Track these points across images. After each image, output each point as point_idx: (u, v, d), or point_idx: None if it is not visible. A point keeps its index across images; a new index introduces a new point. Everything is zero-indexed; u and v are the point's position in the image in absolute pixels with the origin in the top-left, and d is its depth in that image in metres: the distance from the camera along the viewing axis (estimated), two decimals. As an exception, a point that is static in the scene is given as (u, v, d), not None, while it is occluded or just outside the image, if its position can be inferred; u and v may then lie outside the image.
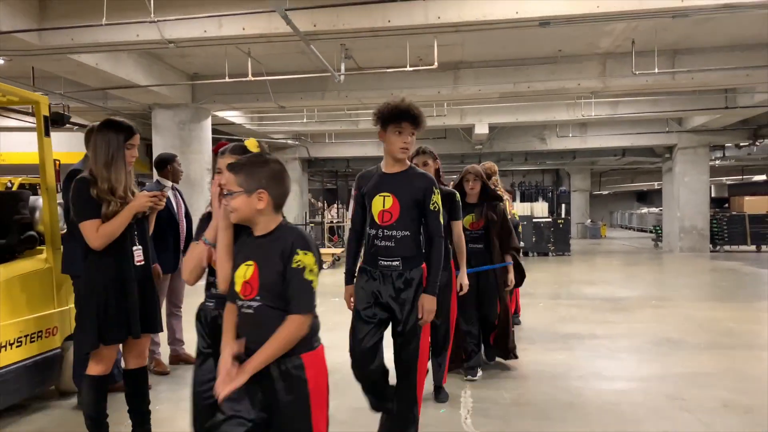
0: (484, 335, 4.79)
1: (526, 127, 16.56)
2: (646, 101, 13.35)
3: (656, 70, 9.13)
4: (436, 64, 8.49)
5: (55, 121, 4.33)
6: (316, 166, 19.72)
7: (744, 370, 4.91)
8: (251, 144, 2.32)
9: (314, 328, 2.11)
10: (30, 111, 10.52)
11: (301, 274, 2.00)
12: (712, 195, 20.69)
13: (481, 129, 14.06)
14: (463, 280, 4.00)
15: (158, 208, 3.12)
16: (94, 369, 2.97)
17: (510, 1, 6.63)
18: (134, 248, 3.02)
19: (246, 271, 2.06)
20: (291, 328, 2.00)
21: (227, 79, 9.19)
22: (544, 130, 17.08)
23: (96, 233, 2.85)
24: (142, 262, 3.06)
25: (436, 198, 2.95)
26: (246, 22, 7.00)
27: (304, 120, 13.47)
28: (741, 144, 17.22)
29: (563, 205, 19.14)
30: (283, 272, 2.00)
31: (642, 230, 28.54)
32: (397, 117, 2.91)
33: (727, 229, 17.01)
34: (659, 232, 19.33)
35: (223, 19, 6.98)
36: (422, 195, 2.93)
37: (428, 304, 2.92)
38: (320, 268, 2.08)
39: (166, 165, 5.09)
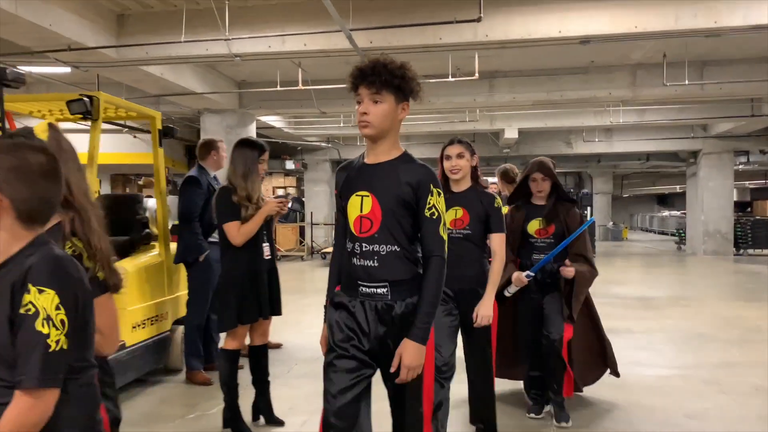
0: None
1: (553, 131, 17.03)
2: (672, 109, 13.78)
3: (686, 82, 9.60)
4: (477, 75, 9.06)
5: (166, 133, 4.95)
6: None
7: (756, 365, 5.42)
8: (40, 129, 1.88)
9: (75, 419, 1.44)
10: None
11: (31, 323, 1.33)
12: (735, 199, 20.99)
13: (511, 133, 14.59)
14: (486, 310, 3.10)
15: (283, 212, 3.72)
16: (230, 344, 3.57)
17: (553, 20, 7.16)
18: (263, 245, 3.63)
19: None
20: (11, 415, 1.31)
21: (278, 88, 9.84)
22: (570, 134, 17.54)
23: (237, 233, 3.46)
24: (269, 257, 3.67)
25: (435, 200, 2.09)
26: (307, 39, 7.59)
27: (341, 124, 14.07)
28: (765, 150, 17.54)
29: (588, 208, 19.58)
30: (10, 320, 1.36)
31: (663, 233, 28.80)
32: (352, 84, 2.15)
33: (751, 233, 17.34)
34: (683, 235, 19.68)
35: (287, 35, 7.61)
36: (412, 194, 2.08)
37: (409, 357, 2.03)
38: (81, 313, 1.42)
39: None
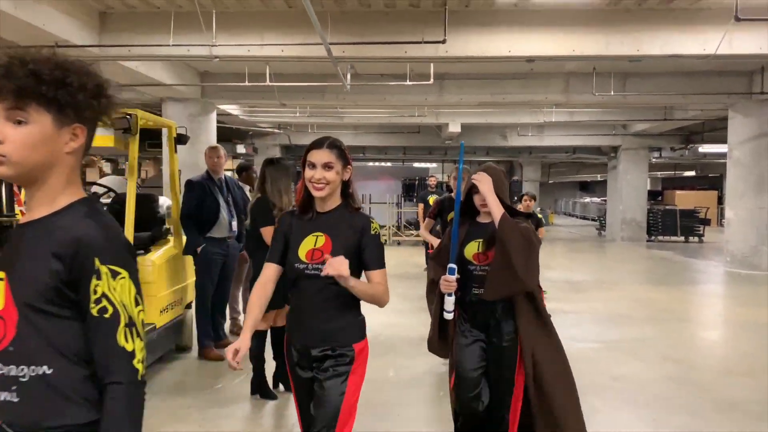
0: None
1: (492, 126, 18.29)
2: (597, 111, 15.27)
3: (612, 93, 10.95)
4: (432, 80, 10.01)
5: (179, 140, 5.60)
6: (294, 152, 20.96)
7: (676, 335, 6.73)
8: None
9: None
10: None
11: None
12: (648, 188, 23.13)
13: (454, 128, 15.71)
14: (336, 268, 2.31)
15: None
16: (261, 326, 4.37)
17: (504, 41, 8.19)
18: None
19: None
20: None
21: (246, 83, 10.43)
22: (506, 129, 18.88)
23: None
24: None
25: (108, 285, 1.27)
26: (285, 44, 8.28)
27: (297, 114, 14.71)
28: (675, 147, 19.54)
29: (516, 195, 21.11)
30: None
31: (584, 218, 31.03)
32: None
33: (662, 221, 19.35)
34: (603, 222, 21.56)
35: (265, 39, 8.26)
36: (65, 273, 1.25)
37: None
38: None
39: (243, 172, 6.40)
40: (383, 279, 2.36)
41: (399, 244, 16.97)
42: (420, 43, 7.54)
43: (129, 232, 4.51)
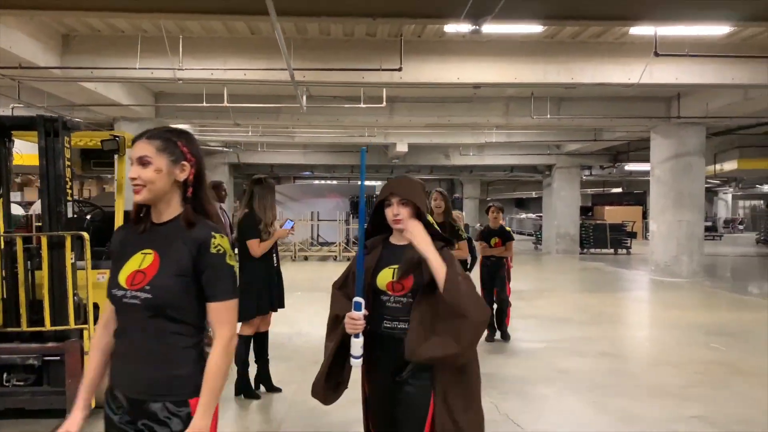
0: None
1: (436, 146, 19.12)
2: (534, 132, 16.33)
3: (548, 116, 11.89)
4: (384, 103, 10.63)
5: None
6: (242, 170, 21.13)
7: (611, 334, 7.52)
8: None
9: None
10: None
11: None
12: (579, 204, 24.57)
13: (402, 147, 16.41)
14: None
15: (289, 235, 4.97)
16: (246, 331, 4.75)
17: (454, 70, 8.91)
18: (274, 255, 4.87)
19: None
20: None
21: (204, 104, 10.75)
22: (448, 148, 19.75)
23: (258, 248, 4.67)
24: (276, 265, 4.91)
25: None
26: (248, 68, 8.71)
27: (249, 133, 15.02)
28: (604, 165, 20.96)
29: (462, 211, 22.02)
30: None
31: (521, 233, 32.39)
32: None
33: (593, 235, 20.64)
34: (539, 236, 22.72)
35: (228, 63, 8.65)
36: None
37: None
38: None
39: (214, 189, 6.76)
40: (226, 317, 1.80)
41: (349, 260, 17.41)
42: (378, 70, 8.13)
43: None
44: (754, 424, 4.32)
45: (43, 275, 4.20)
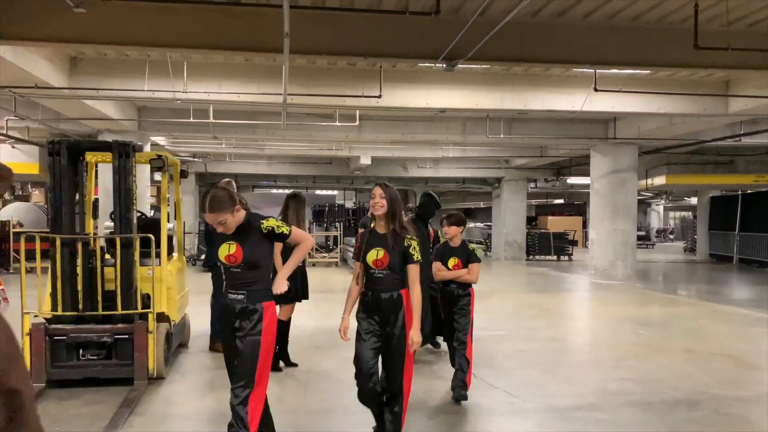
0: None
1: (395, 159, 20.39)
2: (486, 148, 17.83)
3: (501, 135, 13.34)
4: (357, 122, 11.81)
5: (182, 174, 6.89)
6: (208, 179, 21.82)
7: (557, 325, 8.89)
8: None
9: None
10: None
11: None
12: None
13: (366, 160, 17.60)
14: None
15: None
16: (282, 316, 5.79)
17: (422, 96, 10.18)
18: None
19: None
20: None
21: (191, 119, 11.65)
22: (406, 161, 21.07)
23: (278, 253, 5.73)
24: (303, 264, 5.97)
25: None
26: (241, 90, 9.70)
27: (223, 145, 15.89)
28: (548, 179, 22.74)
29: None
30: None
31: (470, 241, 33.95)
32: None
33: (538, 243, 22.33)
34: (488, 244, 24.29)
35: (223, 87, 9.63)
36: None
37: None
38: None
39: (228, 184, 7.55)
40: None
41: (314, 265, 18.42)
42: (360, 96, 9.30)
43: (163, 245, 5.80)
44: (667, 382, 5.68)
45: (113, 270, 5.17)
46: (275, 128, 12.84)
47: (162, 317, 5.51)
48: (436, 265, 5.27)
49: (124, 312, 5.12)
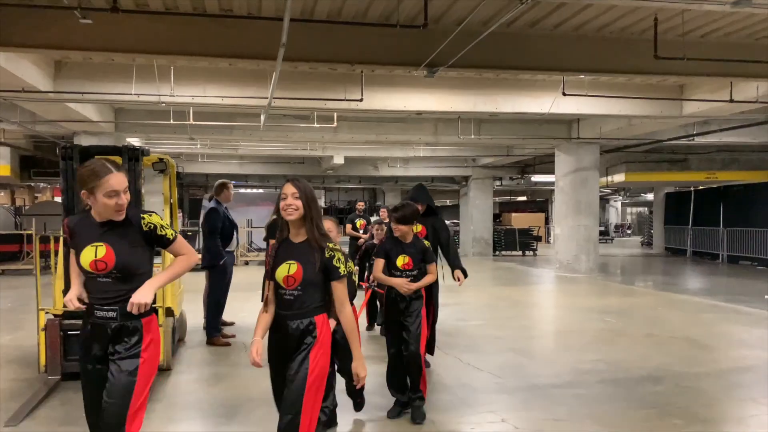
0: None
1: (367, 158, 20.83)
2: (455, 148, 18.42)
3: (472, 136, 13.92)
4: (335, 123, 12.20)
5: (161, 170, 7.06)
6: (181, 179, 21.85)
7: (528, 314, 9.49)
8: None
9: None
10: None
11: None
12: (491, 212, 27.11)
13: (339, 160, 18.00)
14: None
15: None
16: None
17: (400, 99, 10.64)
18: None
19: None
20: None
21: (171, 121, 11.85)
22: (377, 160, 21.53)
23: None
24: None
25: None
26: (225, 94, 9.98)
27: (198, 146, 16.06)
28: (513, 177, 23.52)
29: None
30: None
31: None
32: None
33: (504, 239, 23.08)
34: (457, 240, 24.95)
35: (207, 91, 9.90)
36: None
37: None
38: None
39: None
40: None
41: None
42: (343, 100, 9.71)
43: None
44: (632, 362, 6.28)
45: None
46: (253, 129, 13.11)
47: (168, 312, 5.84)
48: (378, 265, 4.46)
49: (136, 307, 5.43)
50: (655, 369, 5.97)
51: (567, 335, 7.97)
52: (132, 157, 5.45)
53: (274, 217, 5.45)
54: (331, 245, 2.84)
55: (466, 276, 5.70)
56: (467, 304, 10.44)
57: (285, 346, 2.82)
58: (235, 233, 7.19)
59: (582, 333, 7.95)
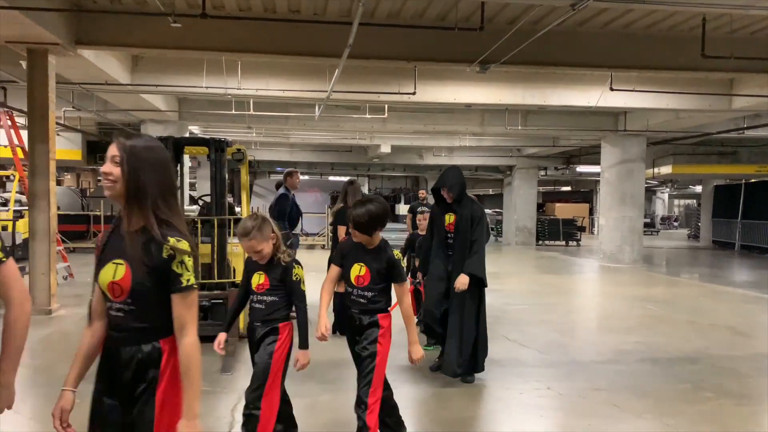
0: None
1: (413, 147, 21.31)
2: (500, 138, 18.73)
3: (519, 127, 14.25)
4: (386, 114, 12.73)
5: (239, 159, 7.75)
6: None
7: (571, 301, 9.90)
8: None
9: None
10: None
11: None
12: (535, 202, 27.27)
13: (386, 148, 18.54)
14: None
15: None
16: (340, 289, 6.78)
17: (450, 92, 11.07)
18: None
19: None
20: None
21: (233, 111, 12.59)
22: (422, 149, 21.98)
23: (344, 233, 6.69)
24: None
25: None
26: (286, 87, 10.61)
27: (254, 134, 16.83)
28: (558, 167, 23.65)
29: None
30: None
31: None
32: None
33: (548, 228, 23.29)
34: (500, 229, 25.26)
35: (270, 84, 10.55)
36: None
37: None
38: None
39: (292, 176, 8.09)
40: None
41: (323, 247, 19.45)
42: (397, 93, 10.23)
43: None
44: (672, 345, 6.67)
45: (207, 246, 6.16)
46: (307, 119, 13.76)
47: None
48: (330, 275, 3.48)
49: (219, 281, 6.12)
50: (693, 351, 6.36)
51: (609, 320, 8.37)
52: (218, 149, 6.11)
53: (341, 205, 6.00)
54: (174, 240, 1.92)
55: (479, 283, 4.94)
56: (512, 290, 10.90)
57: (115, 378, 2.00)
58: (300, 218, 7.84)
59: (624, 318, 8.34)
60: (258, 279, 3.29)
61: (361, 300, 3.38)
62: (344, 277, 3.44)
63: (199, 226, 6.14)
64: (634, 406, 4.61)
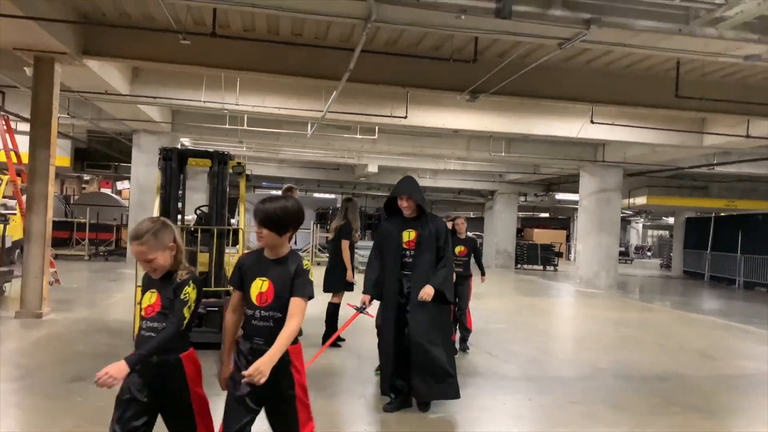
0: None
1: (398, 168, 21.73)
2: (484, 163, 19.25)
3: (503, 153, 14.76)
4: (376, 135, 13.14)
5: (239, 172, 8.04)
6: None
7: (549, 322, 10.28)
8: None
9: None
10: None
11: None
12: (514, 227, 27.87)
13: (373, 168, 18.94)
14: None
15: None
16: (335, 300, 7.02)
17: (439, 118, 11.54)
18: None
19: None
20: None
21: (227, 126, 12.88)
22: (408, 170, 22.40)
23: (347, 247, 6.97)
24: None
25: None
26: (283, 105, 10.96)
27: (244, 148, 17.10)
28: (538, 194, 24.27)
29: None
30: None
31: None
32: None
33: (526, 253, 23.81)
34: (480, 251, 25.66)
35: (267, 101, 10.89)
36: None
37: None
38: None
39: (288, 192, 8.74)
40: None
41: (319, 264, 19.67)
42: (389, 116, 10.65)
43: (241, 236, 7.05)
44: (643, 365, 7.07)
45: (205, 255, 6.42)
46: (299, 137, 14.10)
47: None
48: (232, 299, 2.87)
49: (215, 289, 6.38)
50: (664, 371, 6.76)
51: (586, 340, 8.77)
52: (221, 162, 6.41)
53: (343, 222, 6.11)
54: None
55: (441, 298, 4.56)
56: (492, 309, 11.27)
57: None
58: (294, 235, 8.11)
59: (600, 339, 8.74)
60: (149, 299, 2.65)
61: (268, 324, 2.66)
62: (244, 298, 2.73)
63: (198, 235, 6.40)
64: (609, 418, 4.97)
